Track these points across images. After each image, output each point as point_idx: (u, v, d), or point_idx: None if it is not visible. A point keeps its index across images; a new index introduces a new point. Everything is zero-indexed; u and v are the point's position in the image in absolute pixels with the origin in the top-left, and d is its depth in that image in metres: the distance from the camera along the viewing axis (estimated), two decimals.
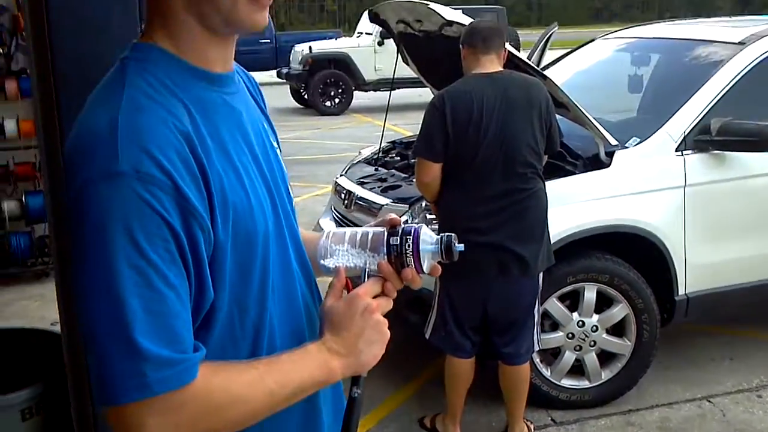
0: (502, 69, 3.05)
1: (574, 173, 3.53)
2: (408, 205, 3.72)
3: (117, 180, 0.90)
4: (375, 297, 1.12)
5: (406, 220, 1.16)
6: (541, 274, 3.10)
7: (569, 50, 5.29)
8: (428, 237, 1.15)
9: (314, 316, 1.19)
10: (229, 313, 1.03)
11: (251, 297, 1.05)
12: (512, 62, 3.36)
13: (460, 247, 1.16)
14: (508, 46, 3.18)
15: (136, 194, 0.90)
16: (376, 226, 1.20)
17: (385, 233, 1.16)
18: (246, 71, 1.27)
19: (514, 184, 2.97)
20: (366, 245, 1.16)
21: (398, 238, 1.14)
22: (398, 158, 4.59)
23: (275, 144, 1.21)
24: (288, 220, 1.16)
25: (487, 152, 2.93)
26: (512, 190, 2.97)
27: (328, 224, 4.40)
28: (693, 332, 4.37)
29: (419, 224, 1.17)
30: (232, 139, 1.05)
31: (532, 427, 3.39)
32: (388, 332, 1.12)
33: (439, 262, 1.17)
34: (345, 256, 1.17)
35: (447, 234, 1.16)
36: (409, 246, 1.13)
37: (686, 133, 3.62)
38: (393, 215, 1.21)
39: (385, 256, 1.14)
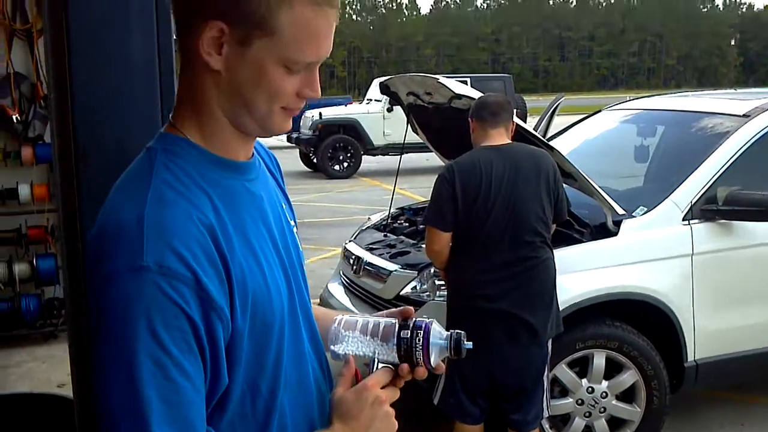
0: (510, 141, 3.14)
1: (582, 241, 3.58)
2: (417, 271, 3.76)
3: (141, 273, 0.94)
4: (383, 387, 1.14)
5: (421, 314, 1.19)
6: (549, 341, 3.12)
7: (576, 120, 5.40)
8: (438, 333, 1.17)
9: (325, 398, 1.20)
10: (242, 394, 1.05)
11: (264, 380, 1.08)
12: (520, 134, 3.45)
13: (469, 345, 1.18)
14: (515, 118, 3.28)
15: (159, 288, 0.94)
16: (388, 316, 1.23)
17: (397, 325, 1.18)
18: (264, 146, 1.31)
19: (522, 253, 3.02)
20: (377, 335, 1.18)
21: (409, 331, 1.16)
22: (407, 224, 4.66)
23: (292, 222, 1.24)
24: (302, 299, 1.18)
25: (496, 222, 2.99)
26: (520, 259, 3.02)
27: (336, 289, 4.44)
28: (703, 398, 4.34)
29: (431, 320, 1.19)
30: (254, 225, 1.09)
31: None
32: (396, 423, 1.14)
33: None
34: (355, 344, 1.19)
35: (456, 331, 1.18)
36: (419, 341, 1.15)
37: (693, 203, 3.68)
38: (407, 306, 1.24)
39: (395, 347, 1.16)
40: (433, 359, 1.16)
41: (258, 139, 1.18)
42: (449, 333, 1.18)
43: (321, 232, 9.25)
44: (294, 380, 1.13)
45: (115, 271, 0.96)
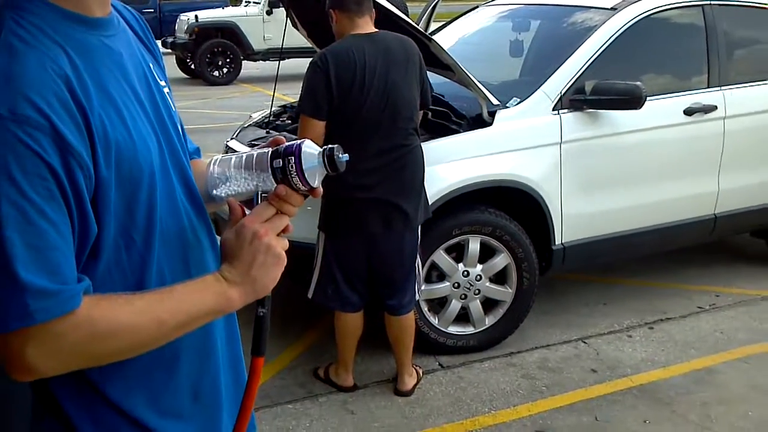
0: (376, 29, 3.14)
1: (459, 132, 3.67)
2: None
3: None
4: (268, 220, 1.14)
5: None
6: (419, 228, 3.24)
7: (454, 17, 5.44)
8: (310, 153, 1.13)
9: (207, 250, 1.22)
10: (115, 244, 1.06)
11: (137, 231, 1.08)
12: (398, 24, 3.45)
13: (345, 157, 1.14)
14: (391, 7, 3.28)
15: (14, 135, 0.92)
16: (262, 147, 1.19)
17: (269, 154, 1.14)
18: (134, 11, 1.29)
19: (396, 140, 3.08)
20: (251, 167, 1.15)
21: (280, 159, 1.12)
22: (289, 121, 4.61)
23: (162, 82, 1.23)
24: (175, 157, 1.18)
25: (371, 110, 3.01)
26: (395, 146, 3.08)
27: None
28: (569, 280, 4.67)
29: (302, 140, 1.15)
30: (113, 79, 1.08)
31: (420, 372, 3.56)
32: (283, 253, 1.14)
33: (327, 178, 1.15)
34: (234, 183, 1.16)
35: (329, 147, 1.14)
36: (292, 167, 1.11)
37: (562, 93, 3.83)
38: (278, 135, 1.23)
39: (271, 176, 1.13)
40: (313, 181, 1.13)
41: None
42: (321, 150, 1.14)
43: (201, 138, 8.97)
44: (172, 233, 1.15)
45: None
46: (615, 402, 3.39)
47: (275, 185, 1.13)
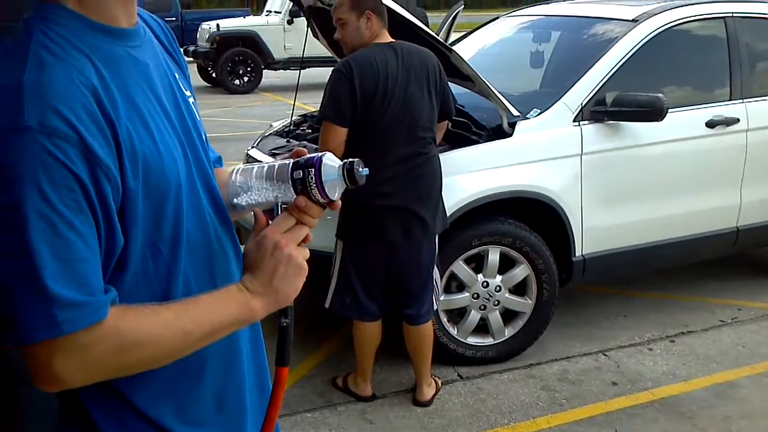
0: (396, 40, 3.16)
1: (479, 143, 3.68)
2: None
3: (25, 134, 0.93)
4: (288, 230, 1.15)
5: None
6: (437, 237, 3.24)
7: (474, 28, 5.46)
8: (331, 166, 1.13)
9: (231, 260, 1.23)
10: (143, 255, 1.07)
11: (164, 242, 1.09)
12: (418, 35, 3.46)
13: (365, 171, 1.15)
14: (411, 17, 3.31)
15: (43, 148, 0.93)
16: (285, 158, 1.20)
17: (290, 166, 1.15)
18: (159, 19, 1.30)
19: (415, 149, 3.09)
20: (273, 178, 1.15)
21: (301, 171, 1.13)
22: (310, 131, 4.64)
23: (188, 92, 1.24)
24: (200, 167, 1.19)
25: (392, 118, 3.03)
26: (413, 155, 3.09)
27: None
28: (590, 292, 4.64)
29: (323, 153, 1.15)
30: (140, 90, 1.08)
31: (439, 382, 3.56)
32: (304, 263, 1.15)
33: (346, 193, 1.16)
34: (255, 193, 1.17)
35: (349, 160, 1.14)
36: (312, 178, 1.12)
37: (583, 105, 3.82)
38: (299, 146, 1.24)
39: (291, 188, 1.14)
40: (332, 193, 1.14)
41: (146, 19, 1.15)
42: (341, 164, 1.14)
43: (221, 146, 9.03)
44: (198, 244, 1.16)
45: None
46: (635, 415, 3.36)
47: (295, 196, 1.14)
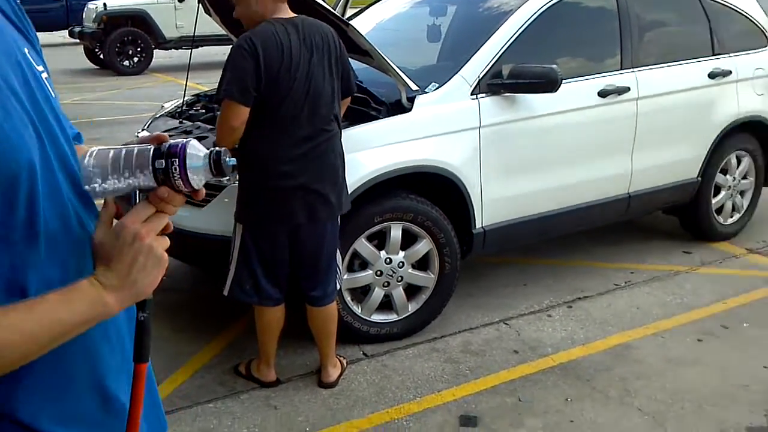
0: (295, 15, 3.05)
1: (378, 118, 3.63)
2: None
3: None
4: (148, 220, 1.07)
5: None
6: (339, 217, 3.19)
7: (371, 3, 5.39)
8: (196, 156, 1.06)
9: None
10: None
11: (17, 230, 0.99)
12: (315, 10, 3.36)
13: (232, 161, 1.08)
14: None
15: None
16: (141, 142, 1.11)
17: (151, 152, 1.07)
18: None
19: (318, 127, 3.01)
20: (131, 164, 1.07)
21: (164, 160, 1.05)
22: (203, 111, 4.47)
23: (40, 68, 1.12)
24: (57, 148, 1.08)
25: (296, 96, 2.93)
26: (317, 133, 3.01)
27: None
28: (490, 263, 4.70)
29: (187, 140, 1.08)
30: None
31: (345, 362, 3.52)
32: (165, 254, 1.08)
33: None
34: (111, 179, 1.08)
35: (216, 150, 1.08)
36: (176, 169, 1.05)
37: (480, 78, 3.83)
38: (160, 133, 1.15)
39: (152, 176, 1.06)
40: (196, 183, 1.07)
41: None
42: (207, 152, 1.07)
43: (112, 130, 8.72)
44: (58, 232, 1.05)
45: None
46: (537, 382, 3.43)
47: (155, 185, 1.07)
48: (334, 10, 5.05)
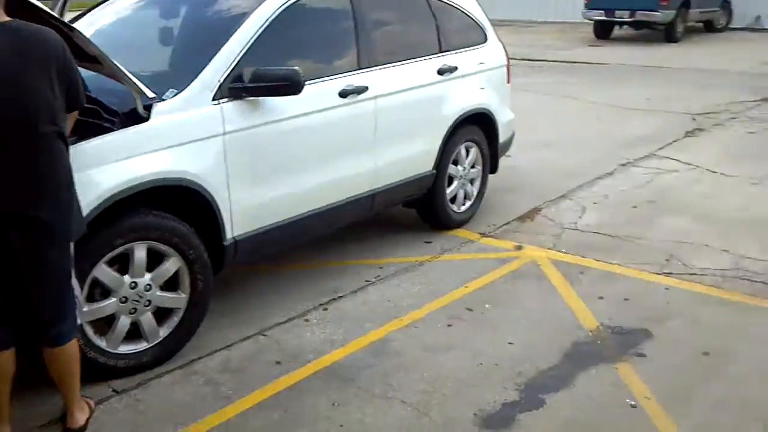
0: (9, 18, 2.66)
1: (112, 130, 3.30)
2: None
3: None
4: None
5: None
6: (72, 244, 2.87)
7: (92, 6, 4.90)
8: None
9: None
10: None
11: None
12: (34, 13, 2.95)
13: None
14: None
15: None
16: None
17: None
18: None
19: (34, 146, 2.64)
20: None
21: None
22: None
23: None
24: None
25: (2, 112, 2.56)
26: (34, 152, 2.64)
27: None
28: (243, 273, 4.58)
29: None
30: None
31: (92, 403, 3.18)
32: None
33: None
34: None
35: None
36: None
37: (221, 82, 3.66)
38: None
39: None
40: None
41: None
42: None
43: None
44: None
45: None
46: (303, 391, 3.39)
47: None
48: (54, 11, 4.54)
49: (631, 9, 16.41)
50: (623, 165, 7.06)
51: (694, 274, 4.64)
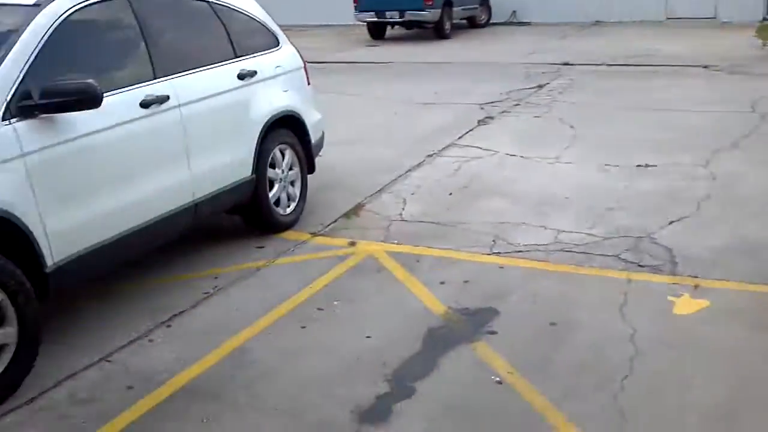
0: None
1: None
2: None
3: None
4: None
5: None
6: None
7: None
8: None
9: None
10: None
11: None
12: None
13: None
14: None
15: None
16: None
17: None
18: None
19: None
20: None
21: None
22: None
23: None
24: None
25: None
26: None
27: None
28: (73, 297, 4.19)
29: None
30: None
31: None
32: None
33: None
34: None
35: None
36: None
37: (8, 101, 3.35)
38: None
39: None
40: None
41: None
42: None
43: None
44: None
45: None
46: (165, 412, 3.15)
47: None
48: None
49: (400, 9, 17.13)
50: (430, 156, 7.26)
51: (521, 251, 4.81)
